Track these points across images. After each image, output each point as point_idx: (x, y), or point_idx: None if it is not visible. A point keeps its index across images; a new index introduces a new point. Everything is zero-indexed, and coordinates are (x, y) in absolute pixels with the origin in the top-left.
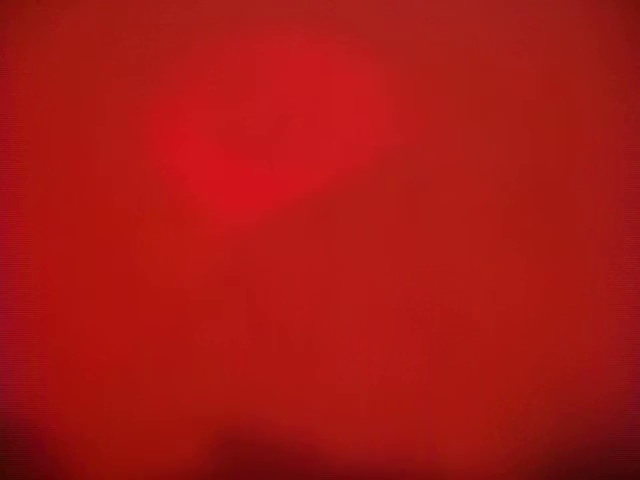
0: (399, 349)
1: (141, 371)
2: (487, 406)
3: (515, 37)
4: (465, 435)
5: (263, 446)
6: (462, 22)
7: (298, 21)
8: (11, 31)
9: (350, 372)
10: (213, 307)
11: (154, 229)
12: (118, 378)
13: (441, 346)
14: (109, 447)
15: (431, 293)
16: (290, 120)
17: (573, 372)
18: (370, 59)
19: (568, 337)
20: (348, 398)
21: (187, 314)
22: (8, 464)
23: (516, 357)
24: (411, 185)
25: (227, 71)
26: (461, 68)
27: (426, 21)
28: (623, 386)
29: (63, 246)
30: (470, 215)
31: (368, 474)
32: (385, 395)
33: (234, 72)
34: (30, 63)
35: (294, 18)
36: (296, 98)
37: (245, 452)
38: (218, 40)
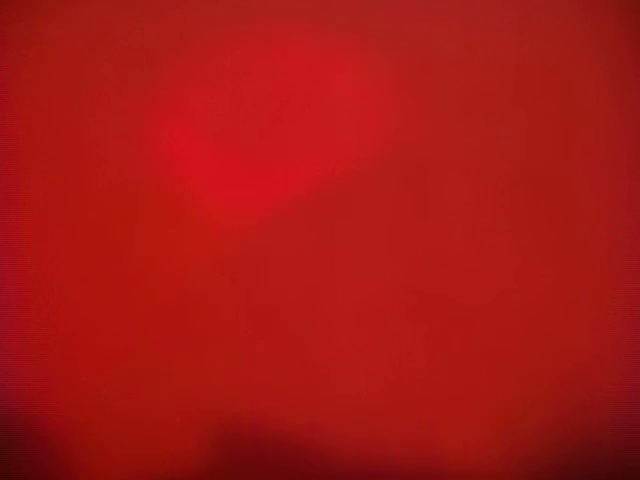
0: (399, 346)
1: (141, 367)
2: (487, 405)
3: (515, 34)
4: (465, 433)
5: (263, 441)
6: (463, 18)
7: (297, 17)
8: (11, 30)
9: (351, 368)
10: (213, 304)
11: (154, 227)
12: (118, 374)
13: (440, 344)
14: (109, 443)
15: (431, 289)
16: (290, 117)
17: (573, 371)
18: (370, 55)
19: (568, 336)
20: (348, 394)
21: (187, 311)
22: (10, 461)
23: (516, 357)
24: (411, 180)
25: (226, 68)
26: (461, 63)
27: (426, 16)
28: (623, 386)
29: (63, 244)
30: (471, 210)
31: (368, 469)
32: (385, 391)
33: (233, 69)
34: (30, 62)
35: (293, 14)
36: (296, 94)
37: (245, 447)
38: (217, 37)
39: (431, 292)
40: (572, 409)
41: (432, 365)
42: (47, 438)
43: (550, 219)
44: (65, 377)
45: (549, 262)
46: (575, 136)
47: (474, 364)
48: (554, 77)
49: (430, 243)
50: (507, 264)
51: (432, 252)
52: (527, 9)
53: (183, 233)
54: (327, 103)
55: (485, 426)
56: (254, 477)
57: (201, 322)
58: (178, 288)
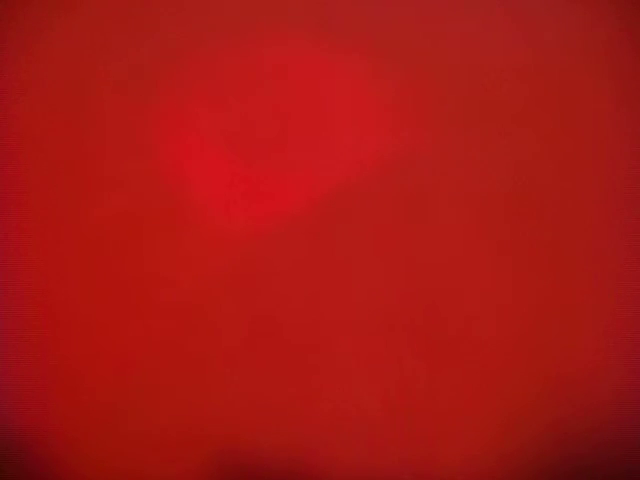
0: (398, 359)
1: (141, 383)
2: (486, 410)
3: (517, 47)
4: (465, 444)
5: (262, 463)
6: (462, 29)
7: (300, 27)
8: (12, 32)
9: (350, 383)
10: (217, 320)
11: (156, 235)
12: (117, 389)
13: (440, 351)
14: (107, 461)
15: (432, 297)
16: (292, 127)
17: (572, 374)
18: (372, 66)
19: (567, 338)
20: (351, 411)
21: (190, 324)
22: (6, 471)
23: (515, 359)
24: (412, 192)
25: (229, 76)
26: (461, 75)
27: (427, 29)
28: (623, 386)
29: (65, 251)
30: (469, 223)
31: None
32: (385, 405)
33: (236, 78)
34: (31, 65)
35: (297, 24)
36: (299, 104)
37: (245, 469)
38: (221, 45)
39: (430, 304)
40: (572, 413)
41: (431, 373)
42: (43, 455)
43: (549, 229)
44: (62, 393)
45: (548, 268)
46: (577, 149)
47: (473, 370)
48: (558, 92)
49: (430, 255)
50: (505, 271)
51: (431, 266)
52: (529, 23)
53: (187, 243)
54: (329, 116)
55: (485, 434)
56: None
57: (203, 338)
58: (180, 300)
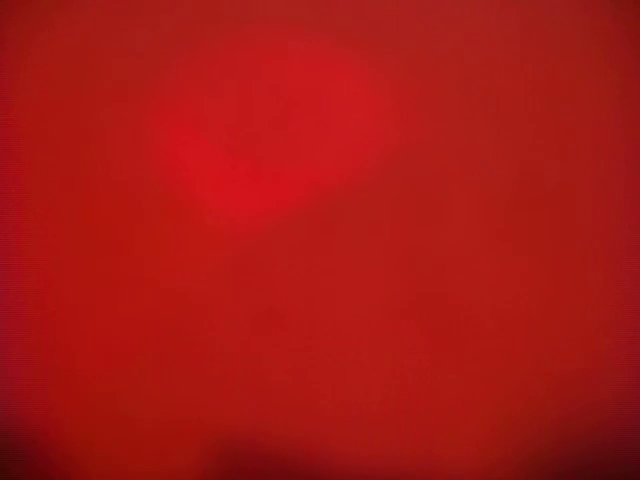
0: (402, 352)
1: (141, 377)
2: (488, 408)
3: (518, 41)
4: (467, 436)
5: (263, 454)
6: (463, 22)
7: (300, 21)
8: (12, 31)
9: (351, 376)
10: (216, 312)
11: (157, 230)
12: (116, 384)
13: (443, 348)
14: (108, 455)
15: (434, 293)
16: (293, 121)
17: (573, 373)
18: (373, 60)
19: (568, 337)
20: (351, 403)
21: (190, 316)
22: (8, 468)
23: (517, 358)
24: (413, 185)
25: (229, 71)
26: (463, 68)
27: (428, 22)
28: (623, 386)
29: (65, 247)
30: (473, 215)
31: (369, 478)
32: (386, 399)
33: (236, 72)
34: (32, 63)
35: (296, 18)
36: (299, 99)
37: (246, 460)
38: (220, 40)
39: (432, 297)
40: (574, 410)
41: (434, 370)
42: (45, 450)
43: (552, 223)
44: (62, 388)
45: (550, 265)
46: (579, 143)
47: (476, 368)
48: (558, 86)
49: (432, 249)
50: (508, 269)
51: (433, 259)
52: (529, 18)
53: (187, 237)
54: (331, 110)
55: (487, 430)
56: None
57: (204, 330)
58: (181, 294)
